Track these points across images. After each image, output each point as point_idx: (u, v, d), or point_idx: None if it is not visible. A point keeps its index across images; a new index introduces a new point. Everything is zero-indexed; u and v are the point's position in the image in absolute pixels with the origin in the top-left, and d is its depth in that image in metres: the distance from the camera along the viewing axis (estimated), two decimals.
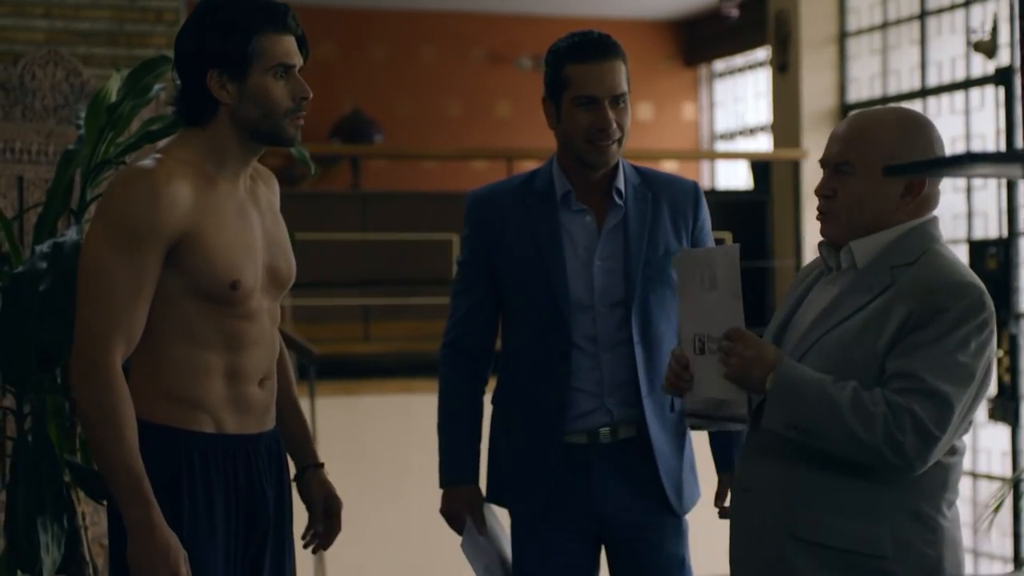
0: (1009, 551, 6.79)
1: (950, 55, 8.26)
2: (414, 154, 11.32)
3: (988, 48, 7.19)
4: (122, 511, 2.45)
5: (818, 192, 2.50)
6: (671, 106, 12.63)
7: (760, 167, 9.50)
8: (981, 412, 7.19)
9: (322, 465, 2.85)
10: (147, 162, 2.50)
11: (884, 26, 8.71)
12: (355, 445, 6.90)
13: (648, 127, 12.14)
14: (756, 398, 2.47)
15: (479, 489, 3.19)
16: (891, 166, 2.38)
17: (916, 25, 8.50)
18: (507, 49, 12.11)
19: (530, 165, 4.38)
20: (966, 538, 7.56)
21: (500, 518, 3.25)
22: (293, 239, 2.73)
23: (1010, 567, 6.95)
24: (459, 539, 3.21)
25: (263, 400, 2.62)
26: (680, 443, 3.14)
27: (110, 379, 2.43)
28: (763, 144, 11.74)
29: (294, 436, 2.79)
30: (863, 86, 8.84)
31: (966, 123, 8.05)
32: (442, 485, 3.20)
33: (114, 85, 3.40)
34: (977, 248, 7.01)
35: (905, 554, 2.37)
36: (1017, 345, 6.60)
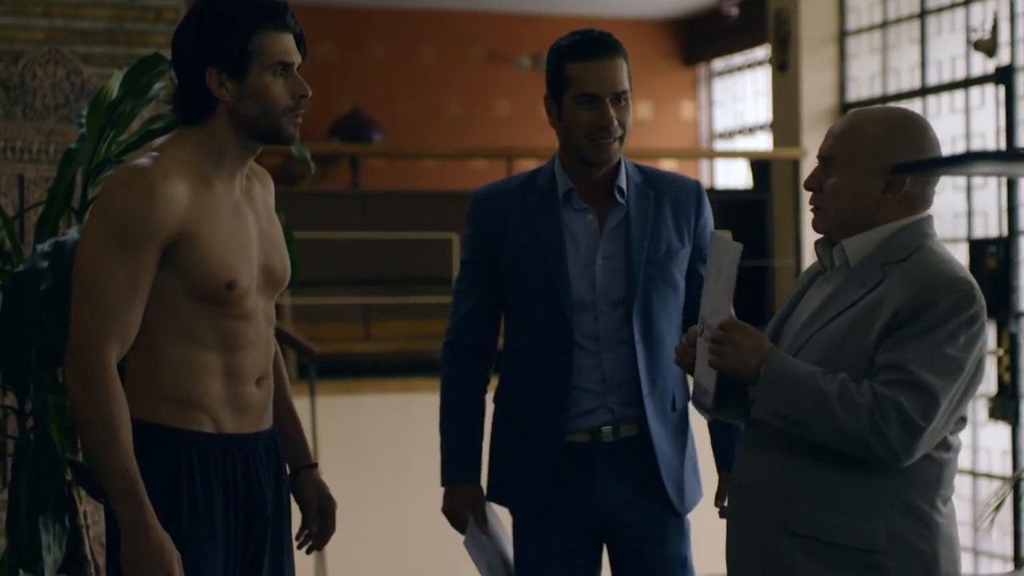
0: (1009, 550, 6.79)
1: (950, 54, 8.26)
2: (413, 153, 11.32)
3: (988, 47, 7.19)
4: (116, 512, 2.44)
5: (806, 185, 2.54)
6: (670, 105, 12.63)
7: (760, 166, 9.50)
8: (981, 411, 7.19)
9: (316, 465, 2.84)
10: (143, 160, 2.49)
11: (884, 25, 8.71)
12: (355, 444, 6.90)
13: (647, 126, 12.14)
14: (751, 395, 2.49)
15: (481, 488, 3.19)
16: (898, 164, 2.42)
17: (916, 24, 8.50)
18: (506, 48, 12.10)
19: (529, 164, 4.38)
20: (966, 537, 7.57)
21: (501, 517, 3.25)
22: (290, 239, 2.73)
23: (1010, 566, 6.95)
24: (459, 539, 3.21)
25: (261, 399, 2.62)
26: (682, 442, 3.14)
27: (105, 379, 2.42)
28: (762, 143, 11.74)
29: (288, 436, 2.78)
30: (863, 85, 8.84)
31: (966, 122, 8.05)
32: (444, 484, 3.20)
33: (115, 84, 3.40)
34: (977, 247, 7.00)
35: (900, 549, 2.38)
36: (1017, 344, 6.60)
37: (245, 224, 2.58)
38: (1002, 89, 7.02)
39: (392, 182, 11.25)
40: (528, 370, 3.11)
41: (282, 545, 2.67)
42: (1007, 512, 6.31)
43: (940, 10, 8.33)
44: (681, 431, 3.14)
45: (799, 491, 2.41)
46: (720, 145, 12.72)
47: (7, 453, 3.41)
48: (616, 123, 3.02)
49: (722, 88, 12.77)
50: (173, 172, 2.47)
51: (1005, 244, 6.81)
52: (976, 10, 8.01)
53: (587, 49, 3.03)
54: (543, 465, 3.08)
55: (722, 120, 12.75)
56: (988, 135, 7.81)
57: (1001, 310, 6.61)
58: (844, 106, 8.78)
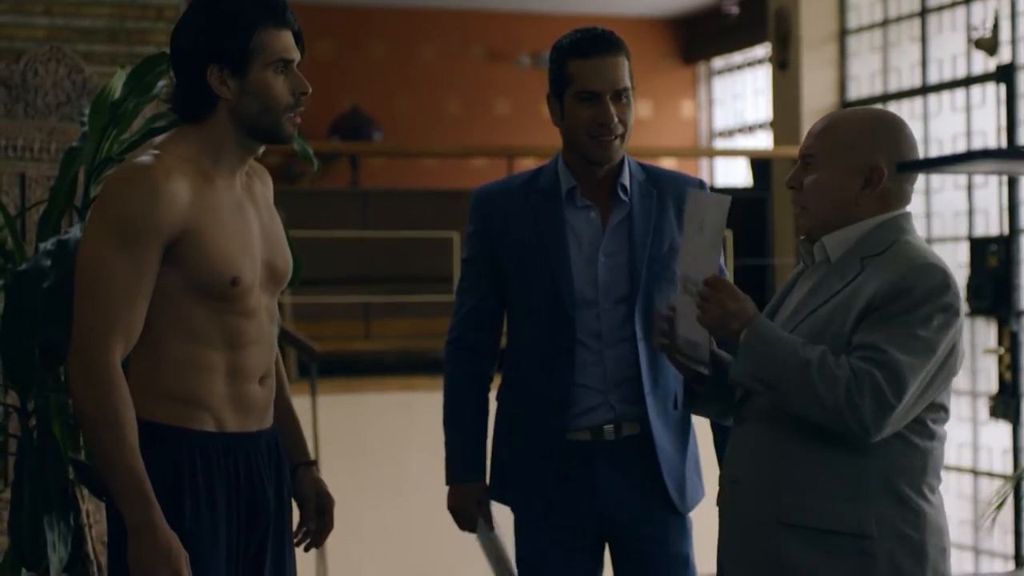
0: (1011, 549, 6.79)
1: (951, 52, 8.26)
2: (413, 152, 11.33)
3: (989, 45, 7.19)
4: (123, 512, 2.42)
5: (788, 183, 2.58)
6: (670, 104, 12.63)
7: (760, 164, 9.51)
8: (982, 409, 7.20)
9: (314, 462, 2.84)
10: (145, 158, 2.48)
11: (885, 23, 8.71)
12: (356, 443, 6.91)
13: (647, 125, 12.14)
14: (739, 392, 2.54)
15: (486, 486, 3.19)
16: (903, 162, 2.48)
17: (917, 22, 8.50)
18: (506, 47, 12.10)
19: (530, 163, 4.38)
20: (968, 536, 7.57)
21: (502, 517, 3.24)
22: (289, 237, 2.73)
23: (1011, 565, 6.95)
24: (459, 537, 3.21)
25: (263, 398, 2.62)
26: (683, 441, 3.14)
27: (110, 377, 2.41)
28: (762, 142, 11.74)
29: (287, 434, 2.77)
30: (863, 83, 8.84)
31: (967, 120, 8.05)
32: (449, 482, 3.20)
33: (118, 82, 3.40)
34: (978, 245, 7.01)
35: (889, 534, 2.41)
36: (1018, 342, 6.60)
37: (247, 220, 2.58)
38: (1003, 87, 7.01)
39: (392, 181, 11.25)
40: (530, 368, 3.11)
41: (284, 543, 2.67)
42: (1008, 511, 6.32)
43: (941, 8, 8.33)
44: (683, 430, 3.14)
45: (789, 481, 2.44)
46: (720, 144, 12.73)
47: (9, 452, 3.41)
48: (616, 120, 3.02)
49: (722, 86, 12.77)
50: (175, 169, 2.47)
51: (1006, 242, 6.81)
52: (977, 8, 8.01)
53: (588, 47, 3.03)
54: (544, 464, 3.08)
55: (722, 119, 12.75)
56: (989, 133, 7.81)
57: (1002, 308, 6.61)
58: (845, 104, 8.78)
